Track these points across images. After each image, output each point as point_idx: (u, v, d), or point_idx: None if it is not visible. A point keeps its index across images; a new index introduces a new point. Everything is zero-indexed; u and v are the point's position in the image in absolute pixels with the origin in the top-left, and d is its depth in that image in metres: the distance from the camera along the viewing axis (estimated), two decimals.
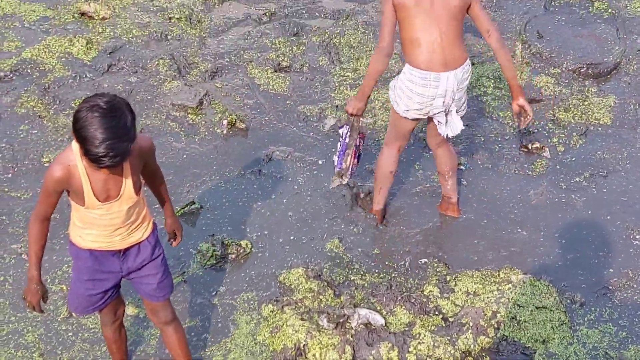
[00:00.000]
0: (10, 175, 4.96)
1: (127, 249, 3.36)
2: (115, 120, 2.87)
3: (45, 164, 5.04)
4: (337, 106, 5.62)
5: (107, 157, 2.86)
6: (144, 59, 5.97)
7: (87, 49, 6.01)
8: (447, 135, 4.33)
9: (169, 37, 6.22)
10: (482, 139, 5.41)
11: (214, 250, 4.48)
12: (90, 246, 3.30)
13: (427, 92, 4.12)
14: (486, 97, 5.73)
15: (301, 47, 6.19)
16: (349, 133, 4.39)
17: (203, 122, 5.48)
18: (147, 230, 3.41)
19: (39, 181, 4.92)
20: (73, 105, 5.50)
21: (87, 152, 2.88)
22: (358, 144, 4.44)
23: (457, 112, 4.27)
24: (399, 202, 4.92)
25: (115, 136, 2.86)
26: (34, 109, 5.46)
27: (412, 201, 4.93)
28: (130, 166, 3.12)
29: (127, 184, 3.15)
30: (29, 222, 3.27)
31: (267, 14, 6.53)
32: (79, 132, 2.86)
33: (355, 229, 4.70)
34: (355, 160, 4.48)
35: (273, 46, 6.19)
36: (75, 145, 3.03)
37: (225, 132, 5.41)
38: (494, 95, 5.76)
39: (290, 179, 5.08)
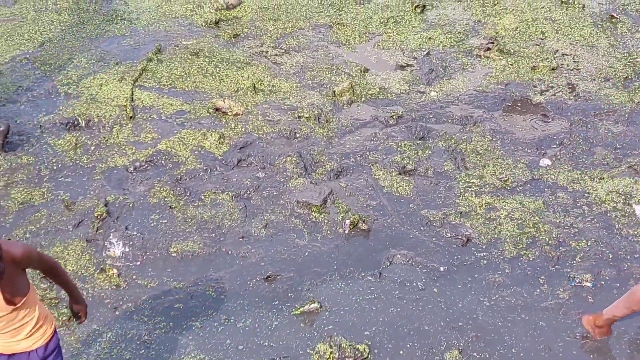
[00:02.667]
0: (139, 263, 5.12)
1: (14, 354, 3.41)
2: None
3: (172, 254, 5.18)
4: (461, 213, 5.60)
5: None
6: (272, 156, 6.12)
7: (219, 143, 6.21)
8: None
9: (298, 136, 6.37)
10: (610, 256, 5.27)
11: (331, 353, 4.47)
12: None
13: None
14: (615, 212, 5.60)
15: (427, 151, 6.23)
16: None
17: (326, 221, 5.54)
18: (40, 341, 3.45)
19: (165, 270, 5.06)
20: (202, 197, 5.66)
21: None
22: None
23: None
24: None
25: None
26: (166, 199, 5.65)
27: None
28: None
29: None
30: None
31: (394, 116, 6.62)
32: None
33: (476, 339, 4.61)
34: None
35: (399, 149, 6.25)
36: None
37: (347, 232, 5.45)
38: (623, 211, 5.62)
39: (410, 284, 5.05)
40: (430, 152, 6.23)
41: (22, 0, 8.04)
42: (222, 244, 5.31)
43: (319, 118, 6.57)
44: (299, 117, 6.56)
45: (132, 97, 6.65)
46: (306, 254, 5.27)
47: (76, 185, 5.75)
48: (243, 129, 6.39)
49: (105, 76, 6.90)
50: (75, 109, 6.45)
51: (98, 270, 5.02)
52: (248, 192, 5.76)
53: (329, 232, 5.46)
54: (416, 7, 8.23)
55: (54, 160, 5.95)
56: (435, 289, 5.01)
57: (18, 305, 3.28)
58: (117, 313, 4.76)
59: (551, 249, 5.32)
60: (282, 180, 5.89)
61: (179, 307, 4.80)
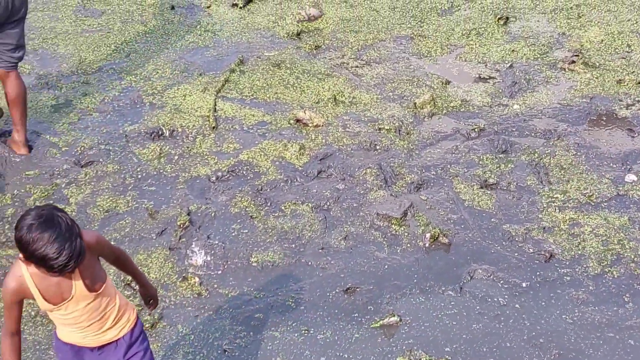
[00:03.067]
0: (220, 272, 5.18)
1: (103, 346, 3.51)
2: (57, 227, 3.05)
3: (253, 264, 5.23)
4: (544, 228, 5.51)
5: (71, 261, 3.05)
6: (352, 167, 6.12)
7: (300, 154, 6.24)
8: None
9: (378, 147, 6.36)
10: None
11: None
12: (68, 340, 3.49)
13: None
14: None
15: (509, 165, 6.15)
16: None
17: (406, 234, 5.51)
18: (125, 328, 3.54)
19: (246, 280, 5.11)
20: (283, 208, 5.70)
21: (50, 268, 3.04)
22: None
23: None
24: None
25: (66, 240, 3.04)
26: (247, 209, 5.70)
27: None
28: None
29: (77, 283, 3.28)
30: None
31: (475, 129, 6.56)
32: (34, 255, 3.04)
33: (559, 357, 4.53)
34: None
35: (480, 162, 6.19)
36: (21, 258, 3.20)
37: (427, 245, 5.41)
38: None
39: (492, 299, 4.99)
40: (512, 166, 6.15)
41: (109, 11, 8.23)
42: (302, 254, 5.34)
43: (399, 130, 6.55)
44: (380, 129, 6.55)
45: (215, 108, 6.74)
46: (386, 266, 5.25)
47: (160, 194, 5.85)
48: (323, 141, 6.42)
49: (189, 87, 7.01)
50: (160, 119, 6.57)
51: (180, 279, 5.10)
52: (328, 204, 5.78)
53: (409, 245, 5.43)
54: (499, 19, 8.15)
55: (138, 169, 6.07)
56: (517, 305, 4.94)
57: (99, 292, 3.39)
58: (198, 321, 4.81)
59: (636, 267, 5.20)
60: (362, 192, 5.89)
61: (259, 317, 4.84)
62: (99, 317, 3.45)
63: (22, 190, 5.82)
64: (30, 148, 6.20)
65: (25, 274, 3.26)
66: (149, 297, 3.86)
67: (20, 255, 3.19)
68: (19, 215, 5.45)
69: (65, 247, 3.04)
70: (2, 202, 5.71)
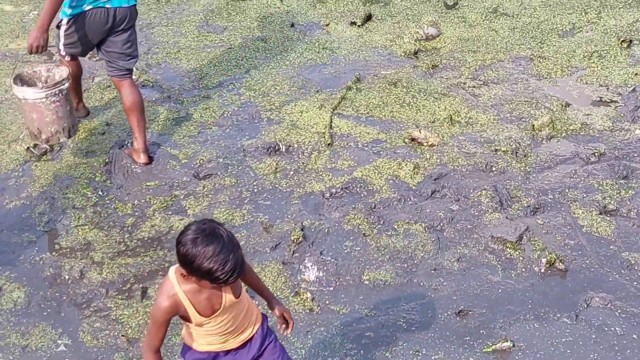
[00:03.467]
0: (332, 288, 5.21)
1: (239, 347, 3.62)
2: (220, 239, 3.19)
3: (364, 282, 5.24)
4: None
5: (235, 272, 3.19)
6: (467, 188, 6.07)
7: (414, 173, 6.23)
8: None
9: (494, 169, 6.28)
10: None
11: None
12: (207, 349, 3.58)
13: None
14: None
15: (630, 191, 5.98)
16: None
17: (521, 258, 5.42)
18: (256, 324, 3.65)
19: (357, 297, 5.12)
20: (396, 227, 5.69)
21: (216, 280, 3.17)
22: None
23: None
24: None
25: (229, 251, 3.18)
26: (360, 226, 5.72)
27: None
28: None
29: (226, 293, 3.40)
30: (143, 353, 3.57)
31: (595, 154, 6.40)
32: (200, 269, 3.15)
33: None
34: None
35: (600, 187, 6.04)
36: (172, 276, 3.35)
37: (543, 270, 5.31)
38: None
39: (608, 328, 4.85)
40: (633, 192, 5.97)
41: (230, 28, 8.42)
42: (414, 274, 5.31)
43: (516, 152, 6.45)
44: (496, 150, 6.48)
45: (331, 125, 6.80)
46: (499, 290, 5.18)
47: (275, 209, 5.93)
48: (438, 160, 6.38)
49: (306, 103, 7.10)
50: (277, 134, 6.67)
51: (293, 294, 5.15)
52: (441, 224, 5.74)
53: (523, 269, 5.34)
54: (622, 41, 7.94)
55: (254, 183, 6.17)
56: (634, 335, 4.79)
57: (242, 296, 3.56)
58: (309, 337, 4.85)
59: None
60: (476, 213, 5.82)
61: (369, 336, 4.84)
62: (241, 319, 3.59)
63: (142, 201, 6.01)
64: (151, 158, 6.39)
65: (178, 291, 3.38)
66: (282, 311, 3.85)
67: (170, 275, 3.37)
68: (137, 225, 5.65)
69: (230, 259, 3.18)
70: (123, 211, 5.90)
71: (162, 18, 8.60)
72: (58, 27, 6.10)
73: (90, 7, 5.92)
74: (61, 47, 6.16)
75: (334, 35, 8.33)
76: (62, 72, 6.18)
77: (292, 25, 8.50)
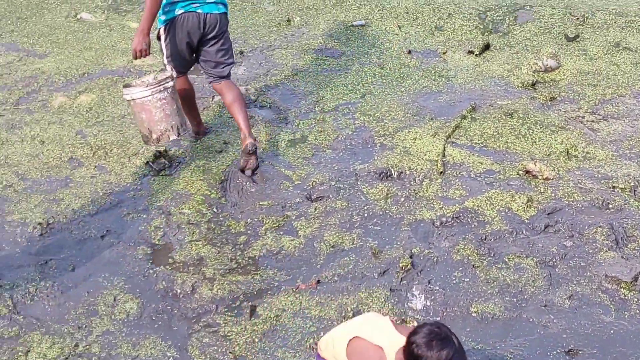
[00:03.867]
0: (439, 318, 5.19)
1: None
2: (453, 345, 3.56)
3: (472, 314, 5.19)
4: None
5: None
6: (581, 225, 5.94)
7: (527, 206, 6.14)
8: None
9: (610, 206, 6.13)
10: None
11: None
12: None
13: None
14: None
15: None
16: None
17: (635, 299, 5.27)
18: None
19: (465, 329, 5.08)
20: (506, 260, 5.62)
21: None
22: None
23: None
24: None
25: (460, 357, 3.57)
26: (469, 257, 5.67)
27: None
28: None
29: None
30: None
31: None
32: None
33: None
34: None
35: None
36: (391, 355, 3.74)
37: None
38: None
39: None
40: None
41: (348, 53, 8.51)
42: (524, 310, 5.23)
43: (634, 190, 6.28)
44: (613, 187, 6.32)
45: (444, 153, 6.77)
46: (611, 331, 5.04)
47: (384, 234, 5.95)
48: (552, 194, 6.27)
49: (419, 130, 7.10)
50: (389, 160, 6.69)
51: (399, 321, 5.15)
52: (553, 260, 5.64)
53: (638, 311, 5.18)
54: None
55: (365, 208, 6.21)
56: None
57: None
58: None
59: None
60: (590, 251, 5.69)
61: None
62: None
63: (255, 219, 6.12)
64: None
65: None
66: None
67: (389, 352, 3.76)
68: (248, 243, 5.76)
69: None
70: (236, 229, 6.03)
71: (282, 41, 8.76)
72: (158, 38, 6.44)
73: (182, 11, 6.26)
74: (165, 61, 6.45)
75: (451, 64, 8.31)
76: (167, 73, 6.37)
77: (409, 52, 8.52)
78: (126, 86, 6.31)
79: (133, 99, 6.19)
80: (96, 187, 6.42)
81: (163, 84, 6.20)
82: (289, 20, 9.20)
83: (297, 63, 8.33)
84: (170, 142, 6.60)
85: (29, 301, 5.38)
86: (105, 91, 7.33)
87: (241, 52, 8.52)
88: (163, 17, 6.30)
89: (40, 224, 6.03)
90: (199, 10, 6.27)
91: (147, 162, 6.68)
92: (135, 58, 6.15)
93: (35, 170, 6.63)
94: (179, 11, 6.26)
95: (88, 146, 6.90)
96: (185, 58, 6.51)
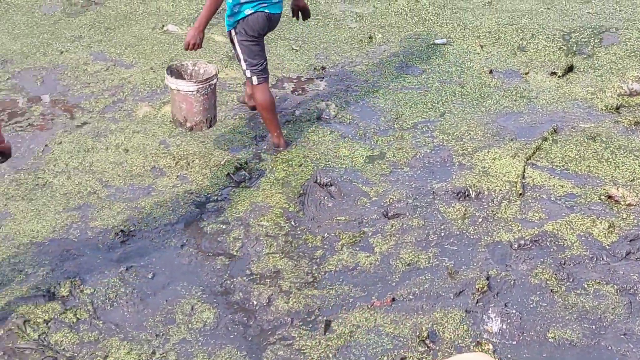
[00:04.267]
0: (515, 342, 5.13)
1: None
2: None
3: (549, 339, 5.13)
4: None
5: None
6: None
7: (608, 232, 6.04)
8: None
9: None
10: None
11: None
12: None
13: None
14: None
15: None
16: None
17: None
18: None
19: (541, 355, 5.02)
20: (586, 286, 5.54)
21: None
22: None
23: None
24: None
25: None
26: (547, 282, 5.61)
27: None
28: None
29: None
30: None
31: None
32: None
33: None
34: None
35: None
36: None
37: None
38: None
39: None
40: None
41: (429, 71, 8.50)
42: (602, 337, 5.15)
43: None
44: None
45: (524, 175, 6.71)
46: None
47: (460, 255, 5.92)
48: (635, 221, 6.16)
49: (499, 151, 7.05)
50: (468, 180, 6.66)
51: (474, 343, 5.12)
52: (635, 288, 5.53)
53: None
54: None
55: (442, 227, 6.19)
56: None
57: None
58: None
59: None
60: None
61: None
62: None
63: (332, 234, 6.16)
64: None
65: None
66: None
67: None
68: (325, 258, 5.79)
69: None
70: (313, 243, 6.07)
71: (364, 57, 8.80)
72: (232, 42, 6.78)
73: (251, 10, 6.54)
74: (245, 67, 6.79)
75: (533, 84, 8.23)
76: (208, 68, 6.90)
77: (491, 71, 8.47)
78: (167, 70, 6.80)
79: (178, 90, 6.66)
80: (177, 196, 6.54)
81: (209, 82, 6.69)
82: (370, 38, 9.23)
83: (378, 80, 8.35)
84: (202, 131, 7.10)
85: (109, 307, 5.50)
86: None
87: (323, 68, 8.59)
88: (232, 19, 6.62)
89: (122, 231, 6.16)
90: (267, 10, 6.58)
91: (228, 174, 6.78)
92: (187, 49, 6.55)
93: (118, 178, 6.79)
94: (248, 11, 6.53)
95: (171, 156, 7.03)
96: (260, 55, 6.80)
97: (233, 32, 6.69)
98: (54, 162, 6.99)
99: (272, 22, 6.69)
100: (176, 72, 6.88)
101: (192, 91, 6.64)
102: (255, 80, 6.77)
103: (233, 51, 7.02)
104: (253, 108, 7.45)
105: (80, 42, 9.15)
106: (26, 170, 6.88)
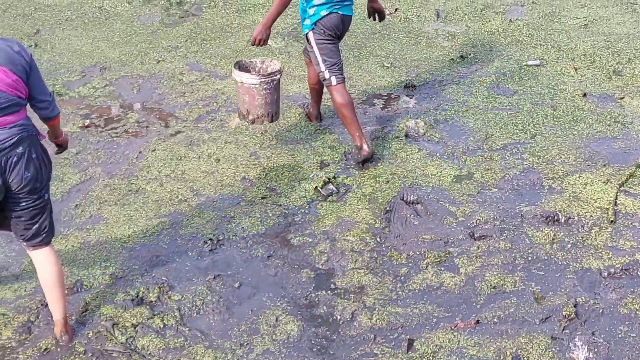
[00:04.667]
0: None
1: None
2: None
3: None
4: None
5: None
6: None
7: None
8: None
9: None
10: None
11: None
12: None
13: None
14: None
15: None
16: None
17: None
18: None
19: None
20: None
21: None
22: None
23: None
24: None
25: None
26: (637, 312, 5.49)
27: None
28: None
29: None
30: None
31: None
32: None
33: None
34: None
35: None
36: None
37: None
38: None
39: None
40: None
41: (520, 92, 8.43)
42: None
43: None
44: None
45: (616, 201, 6.59)
46: None
47: (548, 280, 5.84)
48: None
49: (590, 176, 6.93)
50: (557, 204, 6.57)
51: None
52: None
53: None
54: None
55: (529, 251, 6.12)
56: None
57: None
58: None
59: None
60: None
61: None
62: None
63: (417, 252, 6.15)
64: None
65: None
66: None
67: None
68: (409, 276, 5.78)
69: None
70: (398, 260, 6.08)
71: (454, 76, 8.78)
72: (309, 43, 6.97)
73: (327, 12, 6.80)
74: (323, 68, 6.97)
75: (628, 110, 8.08)
76: (275, 65, 7.36)
77: (584, 95, 8.35)
78: (236, 65, 7.28)
79: (242, 82, 7.14)
80: (266, 207, 6.64)
81: (272, 77, 7.13)
82: (462, 57, 9.21)
83: (468, 99, 8.32)
84: (263, 125, 7.50)
85: (195, 314, 5.60)
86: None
87: (412, 86, 8.60)
88: (308, 22, 6.88)
89: (210, 239, 6.28)
90: (340, 12, 6.85)
91: (316, 187, 6.85)
92: (254, 45, 6.79)
93: (209, 187, 6.92)
94: (324, 12, 6.79)
95: (261, 167, 7.14)
96: (338, 54, 6.99)
97: (311, 33, 6.90)
98: (147, 169, 7.18)
99: (344, 23, 6.93)
100: (244, 68, 7.35)
101: (255, 84, 7.08)
102: (334, 80, 6.94)
103: (308, 58, 7.28)
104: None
105: (176, 52, 9.38)
106: (120, 176, 7.08)
